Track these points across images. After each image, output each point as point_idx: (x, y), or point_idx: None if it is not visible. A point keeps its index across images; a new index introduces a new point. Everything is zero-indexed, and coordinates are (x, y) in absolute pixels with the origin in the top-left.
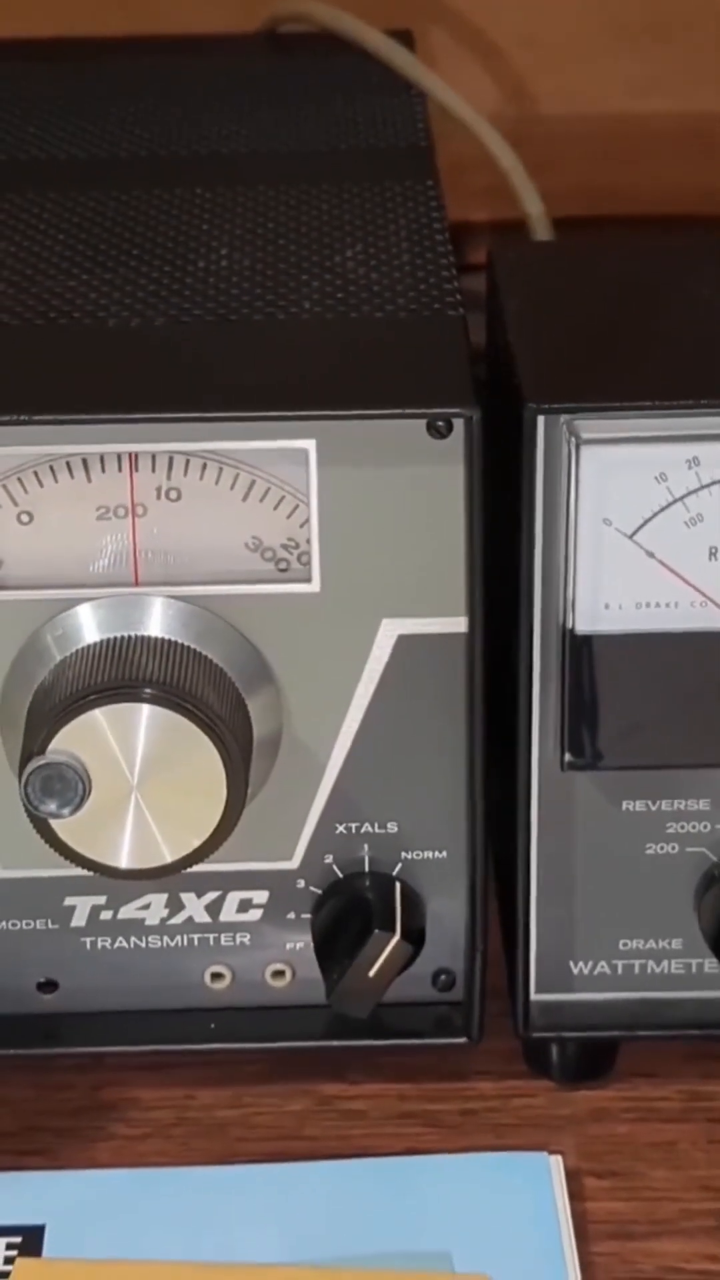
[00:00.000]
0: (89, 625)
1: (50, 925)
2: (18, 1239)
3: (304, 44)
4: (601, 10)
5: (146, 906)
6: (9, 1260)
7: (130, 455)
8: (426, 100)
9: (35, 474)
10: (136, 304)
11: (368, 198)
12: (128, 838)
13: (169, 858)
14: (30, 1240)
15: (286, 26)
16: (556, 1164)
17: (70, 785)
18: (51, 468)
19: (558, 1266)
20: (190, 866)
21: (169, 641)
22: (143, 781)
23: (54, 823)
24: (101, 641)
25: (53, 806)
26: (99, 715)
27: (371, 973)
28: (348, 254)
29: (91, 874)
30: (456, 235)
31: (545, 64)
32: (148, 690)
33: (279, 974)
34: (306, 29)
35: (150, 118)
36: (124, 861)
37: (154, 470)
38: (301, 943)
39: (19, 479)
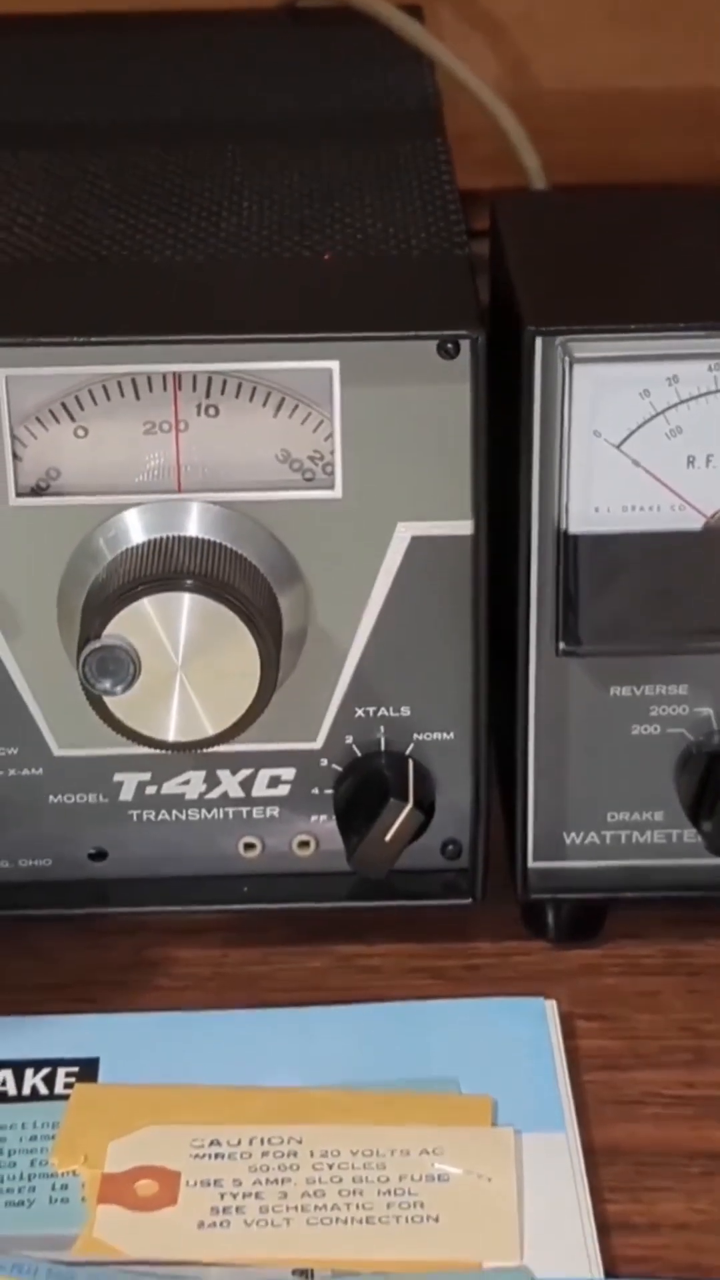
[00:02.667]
0: (136, 527)
1: (101, 799)
2: (76, 1069)
3: (322, 17)
4: None
5: (186, 782)
6: (68, 1085)
7: (174, 375)
8: (435, 68)
9: (90, 392)
10: (178, 244)
11: (382, 153)
12: (174, 713)
13: (210, 731)
14: (86, 1070)
15: (305, 1)
16: (551, 1007)
17: (123, 665)
18: (105, 387)
19: (552, 1090)
20: (230, 740)
21: (208, 541)
22: (186, 663)
23: (108, 700)
24: (148, 541)
25: (107, 684)
26: (146, 604)
27: (387, 838)
28: (365, 201)
29: (140, 749)
30: (462, 202)
31: (545, 41)
32: (189, 581)
33: (304, 844)
34: (324, 4)
35: (184, 84)
36: (171, 735)
37: (195, 389)
38: (325, 815)
39: (76, 397)
